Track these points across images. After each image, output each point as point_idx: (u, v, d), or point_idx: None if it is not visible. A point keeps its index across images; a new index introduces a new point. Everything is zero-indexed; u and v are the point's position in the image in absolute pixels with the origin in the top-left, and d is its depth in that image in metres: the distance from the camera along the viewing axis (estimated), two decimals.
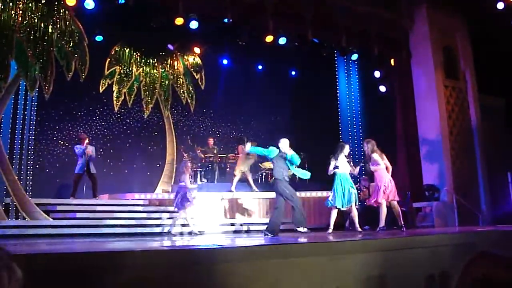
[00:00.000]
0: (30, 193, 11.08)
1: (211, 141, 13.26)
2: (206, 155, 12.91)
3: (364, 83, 15.56)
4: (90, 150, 10.95)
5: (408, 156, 12.92)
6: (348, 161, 8.64)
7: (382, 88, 13.91)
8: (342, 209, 8.43)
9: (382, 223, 8.31)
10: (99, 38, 11.89)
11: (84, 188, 11.28)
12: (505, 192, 10.93)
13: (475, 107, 12.85)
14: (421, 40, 12.87)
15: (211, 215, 10.79)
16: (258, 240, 7.07)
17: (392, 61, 13.63)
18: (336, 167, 8.46)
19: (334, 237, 7.15)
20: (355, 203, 8.45)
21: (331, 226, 8.43)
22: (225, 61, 14.51)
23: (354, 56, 13.44)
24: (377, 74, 13.87)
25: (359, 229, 8.44)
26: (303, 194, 11.49)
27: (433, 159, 12.37)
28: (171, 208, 10.65)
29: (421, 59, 12.87)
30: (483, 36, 12.52)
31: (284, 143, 8.30)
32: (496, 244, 6.80)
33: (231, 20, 10.85)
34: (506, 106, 13.98)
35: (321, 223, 10.78)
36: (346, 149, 8.70)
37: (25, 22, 9.93)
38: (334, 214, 8.47)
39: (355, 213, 8.47)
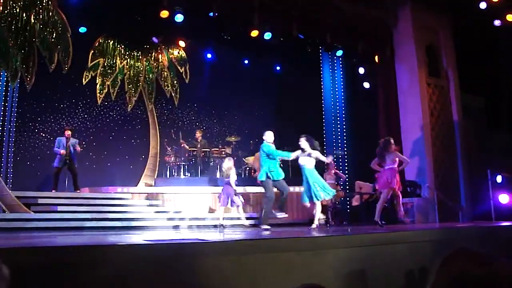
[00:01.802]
0: (11, 186, 10.93)
1: (198, 134, 13.19)
2: (191, 148, 12.87)
3: (348, 79, 15.65)
4: (76, 145, 10.90)
5: None
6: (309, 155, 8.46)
7: (366, 85, 14.03)
8: (306, 204, 8.44)
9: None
10: (82, 29, 11.76)
11: (66, 181, 11.17)
12: (484, 189, 11.10)
13: (457, 105, 13.01)
14: (405, 38, 12.97)
15: (194, 209, 10.78)
16: (241, 234, 7.09)
17: (376, 58, 13.74)
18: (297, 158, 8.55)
19: (316, 232, 7.20)
20: (317, 198, 8.28)
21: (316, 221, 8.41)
22: (209, 55, 14.46)
23: (339, 53, 13.53)
24: (361, 70, 13.99)
25: (315, 225, 8.31)
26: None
27: (415, 156, 12.49)
28: (154, 202, 10.63)
29: (405, 56, 12.98)
30: (466, 35, 12.68)
31: (268, 136, 8.55)
32: (475, 240, 6.91)
33: (216, 14, 10.82)
34: (487, 105, 14.19)
35: (304, 217, 10.87)
36: (302, 142, 8.55)
37: (6, 11, 9.75)
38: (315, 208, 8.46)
39: (318, 209, 8.36)
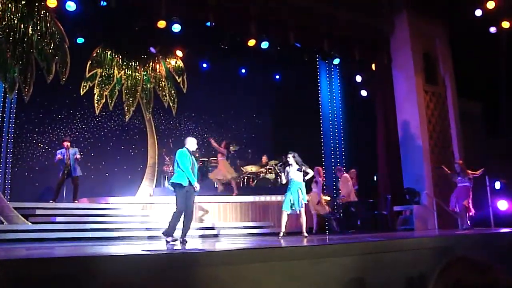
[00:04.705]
0: (9, 196, 10.90)
1: None
2: None
3: (345, 87, 15.66)
4: (76, 154, 10.87)
5: (389, 159, 13.06)
6: (299, 168, 8.79)
7: (364, 93, 14.04)
8: (289, 212, 8.66)
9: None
10: (80, 40, 11.78)
11: (65, 192, 11.14)
12: (483, 196, 11.09)
13: (454, 112, 13.04)
14: (402, 45, 13.03)
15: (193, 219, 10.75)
16: (239, 244, 7.06)
17: (373, 66, 13.77)
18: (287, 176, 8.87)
19: (315, 241, 7.18)
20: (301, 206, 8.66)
21: (283, 229, 8.63)
22: (204, 65, 14.41)
23: (336, 61, 13.54)
24: (358, 78, 13.99)
25: (306, 234, 8.67)
26: (279, 198, 11.36)
27: (413, 163, 12.51)
28: (151, 212, 10.59)
29: (402, 64, 13.03)
30: (462, 42, 12.74)
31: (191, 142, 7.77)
32: (474, 247, 6.90)
33: (213, 24, 10.85)
34: (484, 111, 14.22)
35: (297, 227, 10.91)
36: (290, 159, 8.90)
37: (4, 23, 9.80)
38: (284, 218, 8.67)
39: (303, 218, 8.72)
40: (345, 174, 11.44)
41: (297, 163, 8.84)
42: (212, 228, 10.32)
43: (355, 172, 12.03)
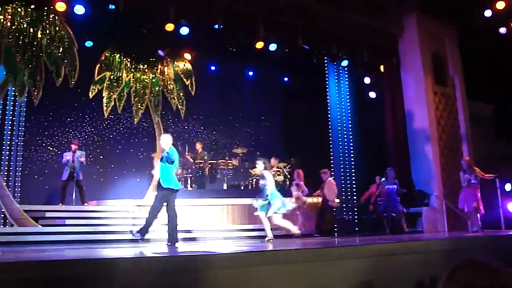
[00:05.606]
0: (19, 199, 10.95)
1: (199, 146, 13.21)
2: (195, 161, 12.87)
3: (354, 89, 15.60)
4: (81, 156, 10.95)
5: (398, 161, 12.99)
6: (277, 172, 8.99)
7: (372, 94, 13.99)
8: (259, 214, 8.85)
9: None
10: (89, 43, 11.84)
11: (74, 195, 11.18)
12: (493, 198, 11.01)
13: (464, 114, 12.96)
14: (411, 46, 12.98)
15: (201, 221, 10.76)
16: (247, 246, 7.05)
17: (382, 67, 13.72)
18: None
19: (324, 243, 7.15)
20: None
21: (269, 235, 8.72)
22: (212, 67, 14.40)
23: (344, 63, 13.51)
24: (367, 80, 13.95)
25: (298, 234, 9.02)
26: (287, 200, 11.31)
27: (422, 165, 12.44)
28: (159, 214, 10.60)
29: (411, 65, 12.97)
30: (472, 42, 12.66)
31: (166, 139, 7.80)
32: (484, 249, 6.84)
33: (221, 26, 10.87)
34: (494, 112, 14.11)
35: (311, 229, 10.87)
36: (259, 165, 9.08)
37: (14, 27, 9.88)
38: (265, 222, 8.81)
39: (271, 221, 8.85)
40: (330, 179, 11.36)
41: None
42: (219, 231, 10.32)
43: (393, 172, 11.67)
